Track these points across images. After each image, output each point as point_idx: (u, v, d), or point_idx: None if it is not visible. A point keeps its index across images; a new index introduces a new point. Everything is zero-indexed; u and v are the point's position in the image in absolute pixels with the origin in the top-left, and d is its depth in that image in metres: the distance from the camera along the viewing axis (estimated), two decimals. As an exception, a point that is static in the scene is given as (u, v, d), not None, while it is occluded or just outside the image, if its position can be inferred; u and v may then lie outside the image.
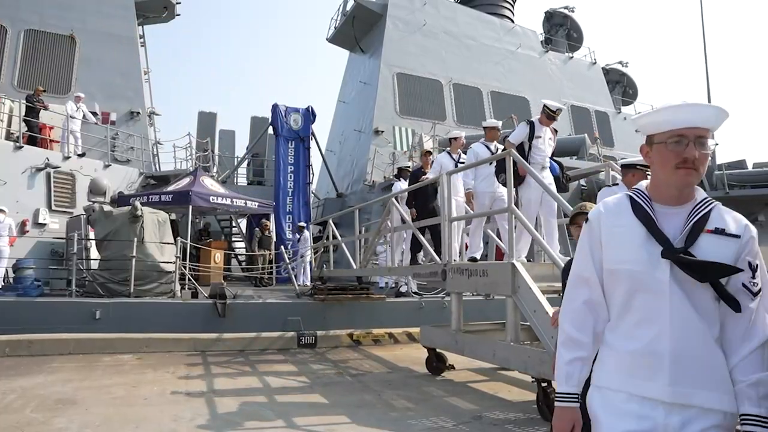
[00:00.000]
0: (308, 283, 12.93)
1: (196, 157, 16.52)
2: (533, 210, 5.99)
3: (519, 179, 5.71)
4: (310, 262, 13.52)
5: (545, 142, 5.94)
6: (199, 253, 12.50)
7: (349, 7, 21.54)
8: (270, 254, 13.62)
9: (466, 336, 6.01)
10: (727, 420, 1.42)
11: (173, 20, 20.06)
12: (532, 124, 5.90)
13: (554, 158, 6.14)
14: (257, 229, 14.18)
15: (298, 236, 14.62)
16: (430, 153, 8.84)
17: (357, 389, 5.86)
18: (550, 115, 6.02)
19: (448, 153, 7.69)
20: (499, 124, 7.17)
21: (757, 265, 1.46)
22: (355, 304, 9.42)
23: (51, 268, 10.82)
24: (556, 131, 6.20)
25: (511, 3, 26.14)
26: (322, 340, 8.59)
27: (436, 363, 6.66)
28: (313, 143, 17.10)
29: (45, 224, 11.99)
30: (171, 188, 12.72)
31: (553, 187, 5.63)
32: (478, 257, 6.55)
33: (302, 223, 14.66)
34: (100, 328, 7.96)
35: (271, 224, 14.68)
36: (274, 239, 14.31)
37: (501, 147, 6.72)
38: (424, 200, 7.95)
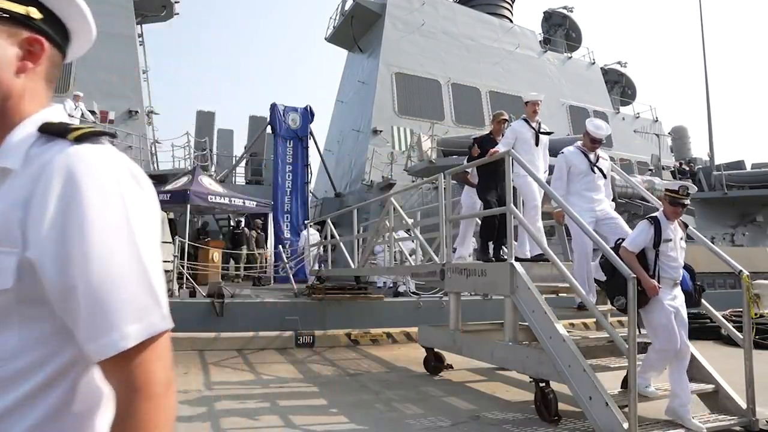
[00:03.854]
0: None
1: (194, 156, 16.49)
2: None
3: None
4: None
5: (677, 245, 4.18)
6: (197, 252, 12.49)
7: (347, 6, 21.55)
8: (266, 253, 13.60)
9: (464, 336, 6.01)
10: None
11: (172, 19, 20.05)
12: (657, 223, 4.12)
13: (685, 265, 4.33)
14: (245, 229, 14.15)
15: (264, 235, 14.40)
16: (505, 119, 6.64)
17: (355, 389, 5.86)
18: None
19: (525, 120, 6.19)
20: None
21: None
22: (353, 303, 9.41)
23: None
24: (685, 225, 4.49)
25: (510, 3, 26.16)
26: (320, 340, 8.59)
27: (434, 363, 6.65)
28: (311, 143, 17.10)
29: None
30: (169, 187, 12.69)
31: (681, 300, 4.20)
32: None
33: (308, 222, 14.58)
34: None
35: (270, 224, 14.66)
36: (272, 237, 14.29)
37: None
38: (491, 178, 6.12)
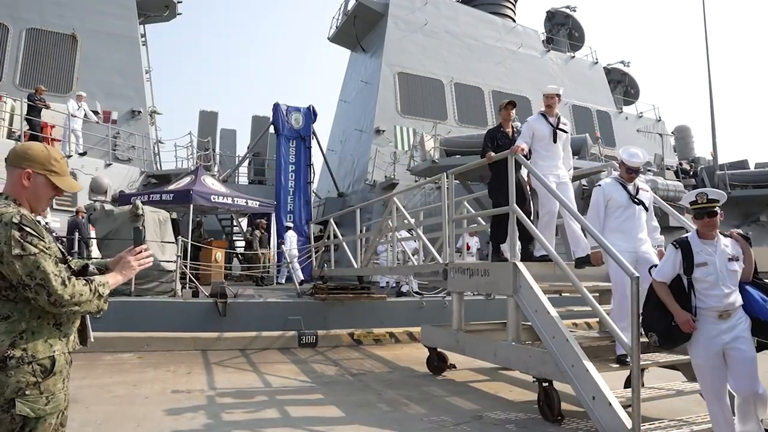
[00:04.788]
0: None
1: (197, 156, 16.52)
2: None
3: None
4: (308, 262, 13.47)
5: (719, 268, 3.37)
6: (200, 252, 12.51)
7: (350, 6, 21.55)
8: (269, 253, 13.60)
9: (467, 336, 6.01)
10: None
11: (174, 19, 20.06)
12: (684, 246, 3.44)
13: (756, 279, 3.52)
14: (250, 228, 14.14)
15: (268, 235, 14.06)
16: (513, 105, 6.18)
17: (358, 389, 5.86)
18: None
19: (543, 115, 5.78)
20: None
21: None
22: (355, 303, 9.42)
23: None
24: (745, 238, 3.64)
25: (513, 2, 26.11)
26: (323, 340, 8.59)
27: (437, 362, 6.65)
28: (314, 142, 17.11)
29: (46, 223, 11.98)
30: (172, 187, 12.72)
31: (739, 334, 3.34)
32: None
33: (289, 224, 14.49)
34: (100, 326, 7.94)
35: (273, 224, 14.65)
36: (291, 239, 14.25)
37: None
38: (502, 178, 5.53)
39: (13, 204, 1.88)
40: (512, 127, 6.19)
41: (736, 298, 3.38)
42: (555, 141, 5.68)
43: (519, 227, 5.29)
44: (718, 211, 3.44)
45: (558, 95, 5.71)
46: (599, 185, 4.79)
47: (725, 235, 3.51)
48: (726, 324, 3.35)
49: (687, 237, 3.52)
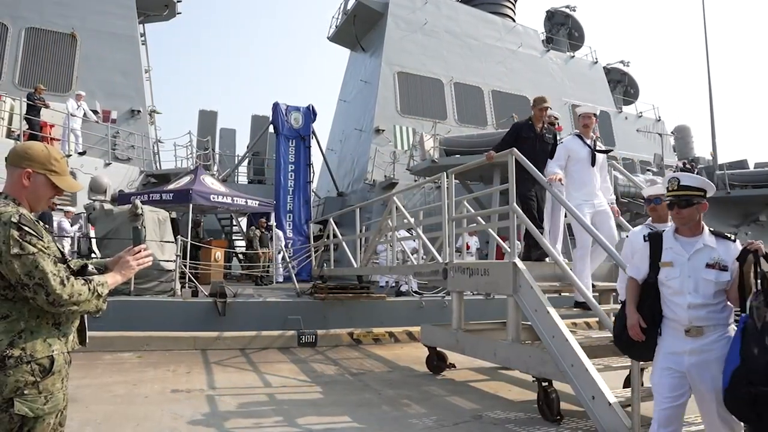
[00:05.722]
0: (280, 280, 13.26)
1: (196, 155, 16.51)
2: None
3: None
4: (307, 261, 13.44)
5: (686, 272, 2.75)
6: (200, 251, 12.50)
7: (350, 5, 21.53)
8: (269, 253, 13.60)
9: (466, 335, 6.01)
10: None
11: (174, 19, 20.05)
12: (653, 239, 2.92)
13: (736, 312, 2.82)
14: (252, 227, 14.13)
15: (269, 234, 13.86)
16: (547, 105, 5.86)
17: (357, 388, 5.86)
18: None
19: (579, 136, 5.34)
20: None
21: None
22: (355, 303, 9.42)
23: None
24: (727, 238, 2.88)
25: (513, 2, 26.10)
26: (323, 339, 8.59)
27: (437, 362, 6.65)
28: (313, 142, 17.12)
29: (59, 222, 11.97)
30: (171, 187, 12.70)
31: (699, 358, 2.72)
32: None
33: (271, 222, 14.21)
34: (100, 326, 7.93)
35: (272, 223, 14.65)
36: (279, 237, 14.24)
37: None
38: (527, 178, 5.42)
39: (13, 203, 1.88)
40: (543, 121, 5.87)
41: (713, 315, 2.67)
42: (593, 164, 5.23)
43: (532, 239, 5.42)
44: (698, 202, 2.76)
45: (595, 115, 5.34)
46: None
47: (724, 238, 2.79)
48: (695, 343, 2.67)
49: (664, 230, 2.97)
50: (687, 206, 2.76)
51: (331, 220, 11.36)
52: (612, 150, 5.73)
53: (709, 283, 2.68)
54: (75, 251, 10.16)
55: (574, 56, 25.68)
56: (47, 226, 2.19)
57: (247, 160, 20.48)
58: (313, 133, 16.98)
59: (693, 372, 2.67)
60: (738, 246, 2.75)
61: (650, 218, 3.86)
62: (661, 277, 2.80)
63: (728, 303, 2.73)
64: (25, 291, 1.77)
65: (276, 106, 16.32)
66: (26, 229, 1.79)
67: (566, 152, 5.27)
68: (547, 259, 5.61)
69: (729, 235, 2.81)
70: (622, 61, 28.62)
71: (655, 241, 2.88)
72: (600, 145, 5.40)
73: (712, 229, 2.83)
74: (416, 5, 21.02)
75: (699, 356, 2.66)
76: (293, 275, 11.12)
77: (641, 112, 26.82)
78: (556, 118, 6.39)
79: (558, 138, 6.05)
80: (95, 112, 14.91)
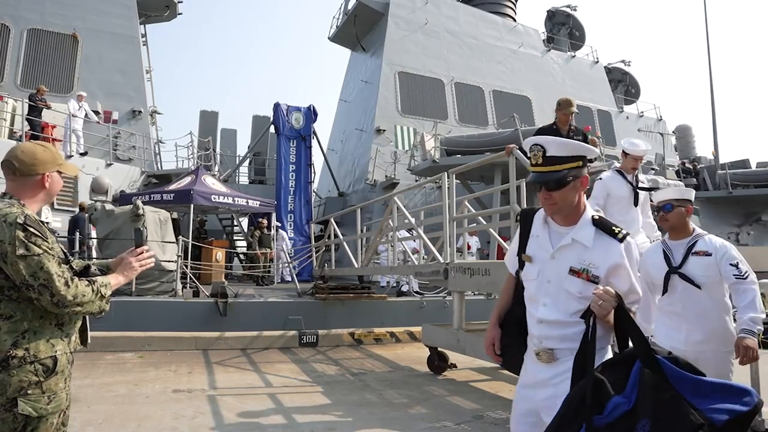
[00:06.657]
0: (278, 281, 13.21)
1: (197, 156, 16.54)
2: None
3: None
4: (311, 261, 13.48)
5: (548, 271, 1.97)
6: (201, 252, 12.51)
7: (350, 5, 21.55)
8: (270, 253, 13.62)
9: (468, 335, 6.01)
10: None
11: (175, 19, 20.09)
12: (527, 220, 2.13)
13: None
14: (252, 227, 14.15)
15: (270, 234, 13.90)
16: (573, 110, 5.40)
17: (358, 388, 5.86)
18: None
19: (620, 173, 4.70)
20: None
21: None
22: (356, 303, 9.42)
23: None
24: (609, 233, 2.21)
25: (513, 2, 26.10)
26: (324, 339, 8.60)
27: (438, 362, 6.65)
28: (314, 142, 17.14)
29: (47, 223, 12.00)
30: (173, 187, 12.73)
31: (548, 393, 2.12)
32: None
33: (275, 223, 14.38)
34: (101, 326, 7.95)
35: (273, 222, 14.67)
36: (284, 238, 14.24)
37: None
38: None
39: (17, 204, 1.89)
40: (570, 126, 5.46)
41: (571, 337, 1.86)
42: (635, 204, 4.71)
43: None
44: (574, 177, 1.89)
45: (642, 158, 4.74)
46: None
47: (610, 233, 1.90)
48: (547, 372, 1.93)
49: (527, 208, 2.31)
50: (559, 187, 1.89)
51: (332, 220, 11.37)
52: (658, 188, 4.72)
53: (569, 296, 1.89)
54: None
55: (575, 56, 25.68)
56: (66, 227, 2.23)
57: (248, 161, 20.52)
58: (314, 133, 17.00)
59: (543, 413, 1.91)
60: (622, 251, 1.87)
61: (667, 234, 3.31)
62: (522, 274, 2.03)
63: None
64: (29, 292, 1.78)
65: (277, 106, 16.34)
66: (31, 230, 1.80)
67: (605, 190, 4.66)
68: None
69: (617, 230, 1.91)
70: (623, 61, 28.62)
71: (526, 220, 2.06)
72: (643, 182, 4.84)
73: (597, 216, 1.95)
74: (417, 5, 21.03)
75: (549, 390, 1.90)
76: (294, 275, 11.14)
77: (642, 112, 26.81)
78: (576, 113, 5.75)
79: (587, 137, 5.66)
80: (96, 112, 14.94)
